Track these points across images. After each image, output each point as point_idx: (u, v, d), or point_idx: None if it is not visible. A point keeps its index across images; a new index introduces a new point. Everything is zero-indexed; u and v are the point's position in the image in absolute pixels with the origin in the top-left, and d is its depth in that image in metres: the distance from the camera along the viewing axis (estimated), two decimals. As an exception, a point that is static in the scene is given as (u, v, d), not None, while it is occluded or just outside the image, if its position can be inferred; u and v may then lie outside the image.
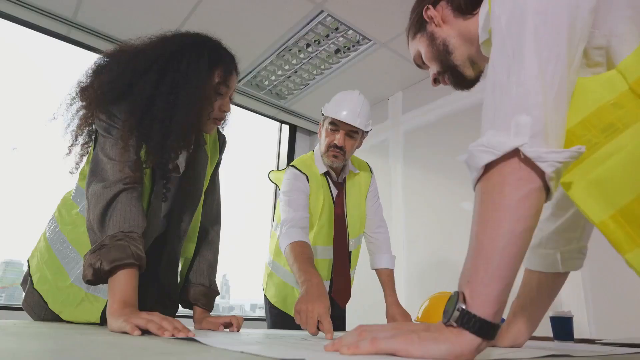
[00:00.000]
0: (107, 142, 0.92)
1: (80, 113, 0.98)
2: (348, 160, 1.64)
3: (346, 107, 1.54)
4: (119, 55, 0.99)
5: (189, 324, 1.03)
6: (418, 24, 0.91)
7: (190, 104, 0.95)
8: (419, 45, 0.91)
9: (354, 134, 1.56)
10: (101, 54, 1.02)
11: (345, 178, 1.69)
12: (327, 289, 1.57)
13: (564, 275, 0.90)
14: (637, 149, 0.52)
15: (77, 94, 0.98)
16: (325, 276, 1.59)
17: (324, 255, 1.60)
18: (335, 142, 1.54)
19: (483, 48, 0.79)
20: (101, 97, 0.93)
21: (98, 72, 0.98)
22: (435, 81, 0.92)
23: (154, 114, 0.93)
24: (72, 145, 0.99)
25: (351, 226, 1.66)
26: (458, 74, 0.87)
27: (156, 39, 1.02)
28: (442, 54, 0.86)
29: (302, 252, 1.30)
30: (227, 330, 1.02)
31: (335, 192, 1.66)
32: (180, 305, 1.14)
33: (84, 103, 0.97)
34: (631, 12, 0.56)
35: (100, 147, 0.92)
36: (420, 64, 0.95)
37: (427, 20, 0.88)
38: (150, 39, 1.02)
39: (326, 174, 1.65)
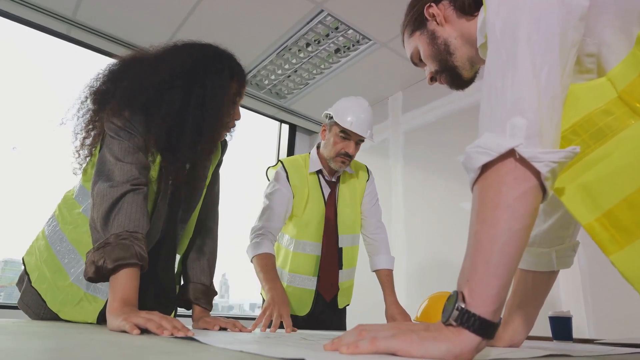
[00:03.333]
0: (115, 143, 0.92)
1: (88, 115, 0.99)
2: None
3: (359, 118, 1.60)
4: (137, 64, 1.01)
5: (189, 323, 1.03)
6: (417, 21, 0.88)
7: (216, 119, 1.00)
8: (418, 43, 0.89)
9: (361, 142, 1.66)
10: (115, 60, 1.04)
11: (339, 177, 1.73)
12: (315, 284, 1.63)
13: (557, 272, 0.91)
14: (623, 157, 0.55)
15: (87, 97, 0.99)
16: (312, 272, 1.64)
17: (312, 251, 1.65)
18: (347, 150, 1.61)
19: (480, 51, 0.79)
20: (124, 103, 0.94)
21: (115, 78, 0.99)
22: (432, 79, 0.91)
23: (184, 128, 0.96)
24: (79, 149, 1.00)
25: (342, 223, 1.69)
26: (456, 74, 0.86)
27: (172, 49, 1.04)
28: (443, 54, 0.85)
29: (266, 264, 1.46)
30: (228, 329, 1.02)
31: (327, 190, 1.70)
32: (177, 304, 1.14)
33: (95, 106, 0.98)
34: (620, 23, 0.58)
35: (108, 148, 0.92)
36: (416, 61, 0.93)
37: (428, 17, 0.86)
38: (165, 49, 1.04)
39: (319, 172, 1.70)
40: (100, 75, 1.01)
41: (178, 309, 1.17)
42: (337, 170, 1.67)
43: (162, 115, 0.95)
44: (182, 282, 1.16)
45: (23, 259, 1.03)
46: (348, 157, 1.62)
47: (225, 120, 1.05)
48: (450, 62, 0.85)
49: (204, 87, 0.99)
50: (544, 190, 0.50)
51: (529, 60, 0.53)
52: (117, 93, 0.95)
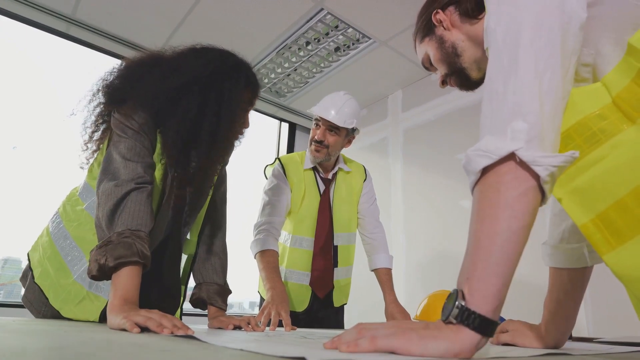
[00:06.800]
0: (122, 142, 0.92)
1: (99, 109, 0.99)
2: (332, 156, 1.69)
3: (327, 104, 1.64)
4: (155, 65, 1.01)
5: (190, 321, 1.03)
6: (427, 28, 0.93)
7: (230, 127, 1.01)
8: (428, 48, 0.94)
9: (335, 129, 1.63)
10: (133, 57, 1.04)
11: (335, 175, 1.74)
12: (308, 279, 1.65)
13: (592, 267, 0.89)
14: (615, 160, 0.56)
15: (99, 89, 0.99)
16: (307, 267, 1.65)
17: (308, 247, 1.66)
18: (316, 137, 1.63)
19: (487, 52, 0.80)
20: (139, 105, 0.94)
21: (131, 77, 0.99)
22: (443, 82, 0.95)
23: (200, 134, 0.97)
24: (88, 142, 1.00)
25: (337, 221, 1.70)
26: (465, 75, 0.89)
27: (191, 53, 1.04)
28: (451, 56, 0.88)
29: (269, 262, 1.49)
30: (242, 328, 1.01)
31: (322, 187, 1.72)
32: (191, 304, 1.15)
33: (105, 100, 0.98)
34: (615, 35, 0.59)
35: (115, 146, 0.92)
36: (428, 66, 0.97)
37: (436, 24, 0.90)
38: (183, 52, 1.04)
39: (314, 169, 1.72)
40: (115, 70, 1.01)
41: (184, 308, 1.17)
42: (313, 159, 1.67)
43: (178, 120, 0.95)
44: (193, 283, 1.16)
45: (28, 254, 1.03)
46: (319, 144, 1.63)
47: (239, 129, 1.07)
48: (459, 64, 0.88)
49: (221, 94, 0.99)
50: (542, 193, 0.51)
51: (532, 65, 0.53)
52: (133, 93, 0.95)
